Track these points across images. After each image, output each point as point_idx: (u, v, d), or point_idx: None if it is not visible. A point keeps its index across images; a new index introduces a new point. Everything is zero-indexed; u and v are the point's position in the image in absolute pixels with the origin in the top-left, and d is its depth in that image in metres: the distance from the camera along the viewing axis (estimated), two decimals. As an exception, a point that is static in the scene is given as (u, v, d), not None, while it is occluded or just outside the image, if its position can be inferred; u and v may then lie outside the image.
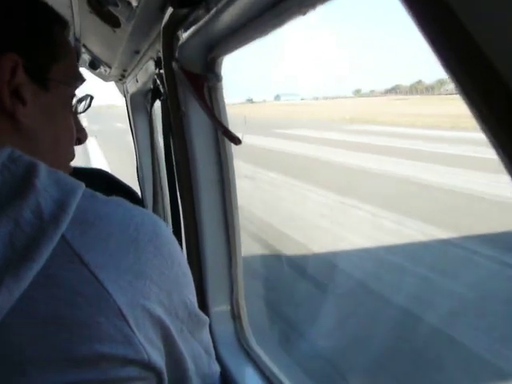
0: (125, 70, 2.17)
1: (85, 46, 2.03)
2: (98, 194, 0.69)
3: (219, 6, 0.92)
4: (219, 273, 1.50)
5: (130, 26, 1.33)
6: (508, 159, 0.38)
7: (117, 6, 1.18)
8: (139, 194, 2.64)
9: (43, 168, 0.65)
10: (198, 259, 1.48)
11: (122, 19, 1.29)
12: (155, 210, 1.75)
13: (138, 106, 2.41)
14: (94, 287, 0.61)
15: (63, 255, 0.61)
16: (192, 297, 0.77)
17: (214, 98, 1.32)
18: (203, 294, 1.50)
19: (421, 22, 0.41)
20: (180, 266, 0.74)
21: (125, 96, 2.49)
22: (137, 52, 1.72)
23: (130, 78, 2.19)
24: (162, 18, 1.19)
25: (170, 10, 1.10)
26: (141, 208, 0.75)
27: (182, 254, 0.76)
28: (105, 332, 0.61)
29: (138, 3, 1.10)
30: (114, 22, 1.35)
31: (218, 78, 1.29)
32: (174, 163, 1.48)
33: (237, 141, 1.23)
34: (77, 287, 0.61)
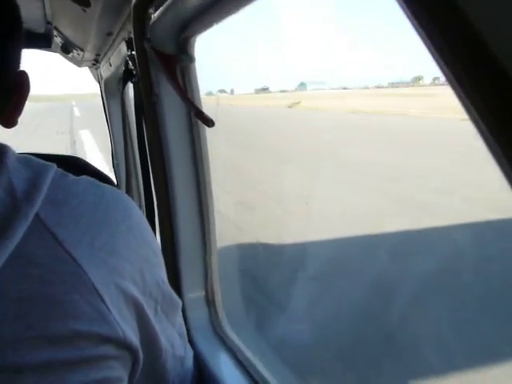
0: (98, 55, 2.13)
1: (56, 28, 1.98)
2: (69, 174, 0.70)
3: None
4: (193, 259, 1.48)
5: (100, 4, 1.29)
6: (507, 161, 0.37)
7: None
8: (114, 180, 2.61)
9: (11, 150, 0.66)
10: (172, 245, 1.45)
11: (93, 1, 1.26)
12: (129, 195, 1.72)
13: (112, 91, 2.37)
14: (68, 265, 0.61)
15: (37, 233, 0.61)
16: (164, 277, 0.77)
17: (186, 79, 1.30)
18: (177, 280, 1.48)
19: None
20: (151, 246, 0.75)
21: (99, 82, 2.45)
22: (109, 34, 1.68)
23: (103, 62, 2.15)
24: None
25: (139, -13, 1.07)
26: (112, 187, 0.76)
27: (152, 235, 0.76)
28: (80, 309, 0.61)
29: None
30: (83, 1, 1.32)
31: (190, 58, 1.26)
32: (147, 147, 1.46)
33: (210, 123, 1.21)
34: (51, 265, 0.60)
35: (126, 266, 0.67)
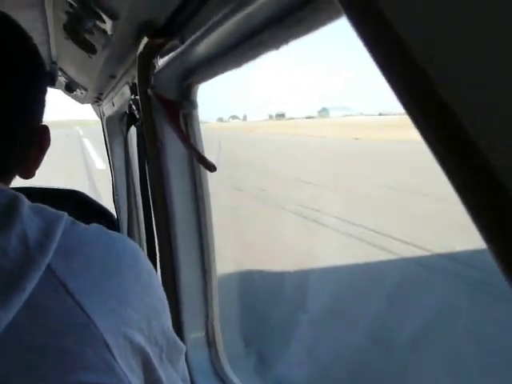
0: (101, 94, 2.17)
1: (61, 69, 2.03)
2: (79, 222, 0.70)
3: (193, 37, 0.93)
4: (194, 298, 1.50)
5: (106, 52, 1.33)
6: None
7: (92, 33, 1.19)
8: (115, 215, 2.63)
9: (25, 199, 0.66)
10: (174, 285, 1.47)
11: (98, 46, 1.30)
12: (130, 234, 1.74)
13: (114, 128, 2.40)
14: (79, 317, 0.62)
15: (48, 284, 0.61)
16: (169, 323, 0.78)
17: (189, 124, 1.33)
18: (178, 320, 1.49)
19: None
20: (157, 293, 0.75)
21: (101, 118, 2.49)
22: (112, 76, 1.72)
23: (106, 101, 2.19)
24: (138, 45, 1.19)
25: (145, 39, 1.10)
26: (120, 235, 0.77)
27: (158, 281, 0.78)
28: (89, 361, 0.61)
29: (114, 32, 1.11)
30: (89, 49, 1.35)
31: (193, 105, 1.29)
32: (150, 188, 1.48)
33: (212, 168, 1.24)
34: (62, 317, 0.61)
35: (133, 316, 0.68)
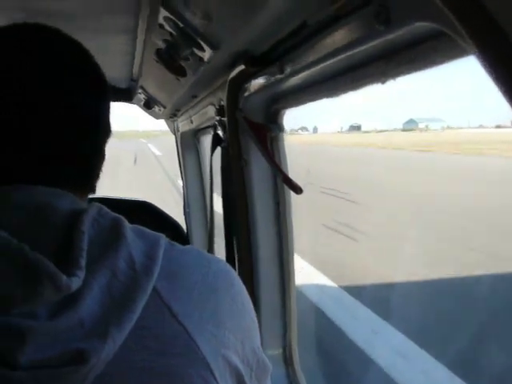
0: (178, 110, 2.24)
1: (142, 87, 2.10)
2: (175, 243, 0.72)
3: (295, 67, 0.96)
4: (273, 316, 1.52)
5: (196, 76, 1.38)
6: None
7: (187, 59, 1.24)
8: (184, 228, 2.69)
9: (125, 221, 0.68)
10: (253, 302, 1.50)
11: (189, 71, 1.35)
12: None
13: (189, 143, 2.48)
14: (182, 338, 0.64)
15: (154, 306, 0.63)
16: (259, 343, 0.79)
17: (275, 147, 1.36)
18: (256, 337, 1.52)
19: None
20: (250, 314, 0.77)
21: (175, 133, 2.56)
22: (195, 96, 1.77)
23: (182, 117, 2.25)
24: (231, 71, 1.24)
25: (241, 67, 1.14)
26: (214, 256, 0.79)
27: (250, 302, 0.79)
28: (193, 382, 0.63)
29: (210, 60, 1.15)
30: (180, 73, 1.41)
31: (280, 128, 1.33)
32: (232, 206, 1.52)
33: (298, 190, 1.26)
34: (167, 338, 0.63)
35: (230, 337, 0.69)
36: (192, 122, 2.05)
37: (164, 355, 0.63)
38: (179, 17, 1.04)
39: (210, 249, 1.81)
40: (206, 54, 1.12)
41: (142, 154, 32.22)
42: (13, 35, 0.72)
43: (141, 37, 1.52)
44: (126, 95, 2.52)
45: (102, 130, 0.75)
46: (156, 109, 2.30)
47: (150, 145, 43.71)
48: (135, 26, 1.45)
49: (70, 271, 0.58)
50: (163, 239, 0.70)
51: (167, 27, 1.14)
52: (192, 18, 1.01)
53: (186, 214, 2.70)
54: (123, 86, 2.46)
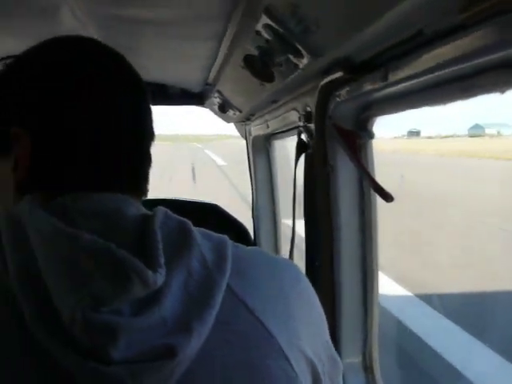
0: (252, 114, 2.25)
1: (219, 91, 2.13)
2: (239, 244, 0.75)
3: (400, 75, 0.95)
4: (353, 322, 1.51)
5: (284, 82, 1.38)
6: None
7: (280, 66, 1.24)
8: (251, 232, 2.71)
9: (191, 224, 0.70)
10: (333, 307, 1.49)
11: (279, 77, 1.35)
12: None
13: (260, 147, 2.49)
14: (261, 332, 0.66)
15: (230, 302, 0.65)
16: (329, 338, 0.82)
17: (363, 153, 1.35)
18: (336, 343, 1.51)
19: None
20: (317, 310, 0.80)
21: (246, 137, 2.58)
22: (274, 102, 1.78)
23: (256, 121, 2.27)
24: (323, 77, 1.24)
25: (338, 73, 1.14)
26: (278, 256, 0.81)
27: (317, 300, 0.81)
28: (274, 374, 0.65)
29: (306, 67, 1.15)
30: (267, 79, 1.42)
31: (370, 135, 1.31)
32: (317, 212, 1.52)
33: (389, 198, 1.25)
34: (246, 332, 0.66)
35: (302, 330, 0.72)
36: (268, 127, 2.06)
37: (244, 349, 0.65)
38: (280, 24, 1.05)
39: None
40: (304, 60, 1.12)
41: (200, 163, 25.24)
42: (58, 47, 0.76)
43: (228, 43, 1.54)
44: (199, 99, 2.56)
45: (148, 133, 0.78)
46: (230, 113, 2.32)
47: (207, 151, 37.39)
48: (223, 32, 1.47)
49: (152, 267, 0.59)
50: (228, 240, 0.72)
51: (264, 34, 1.15)
52: (294, 24, 1.01)
53: (254, 218, 2.71)
54: (197, 90, 2.50)
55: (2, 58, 0.80)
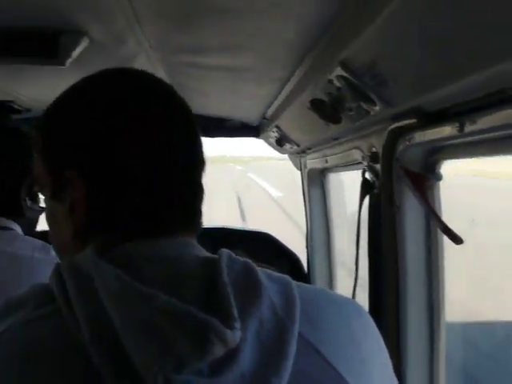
0: (309, 148, 2.29)
1: (277, 126, 2.18)
2: (301, 284, 0.73)
3: (478, 127, 0.97)
4: (419, 368, 1.50)
5: (351, 125, 1.42)
6: None
7: (350, 111, 1.28)
8: (304, 263, 2.72)
9: (255, 265, 0.69)
10: (398, 353, 1.49)
11: (346, 121, 1.38)
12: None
13: (316, 180, 2.52)
14: (336, 379, 0.65)
15: (303, 350, 0.64)
16: (395, 379, 0.79)
17: (430, 194, 1.36)
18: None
19: None
20: (385, 354, 0.77)
21: (301, 169, 2.61)
22: (335, 139, 1.81)
23: (313, 155, 2.30)
24: (393, 122, 1.26)
25: (408, 120, 1.17)
26: (343, 296, 0.80)
27: (383, 343, 0.78)
28: None
29: (377, 114, 1.18)
30: (333, 121, 1.45)
31: (438, 177, 1.33)
32: (379, 254, 1.53)
33: (459, 240, 1.26)
34: (321, 380, 0.64)
35: (374, 376, 0.70)
36: (326, 162, 2.09)
37: None
38: (355, 76, 1.08)
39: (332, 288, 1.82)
40: (375, 108, 1.15)
41: (246, 191, 20.48)
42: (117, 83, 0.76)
43: (293, 85, 1.58)
44: (255, 132, 2.62)
45: (200, 164, 0.77)
46: (287, 146, 2.36)
47: (251, 175, 30.91)
48: (290, 76, 1.52)
49: (228, 324, 0.58)
50: (291, 280, 0.71)
51: (336, 82, 1.19)
52: (370, 78, 1.04)
53: (308, 248, 2.73)
54: (254, 123, 2.56)
55: None
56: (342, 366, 0.66)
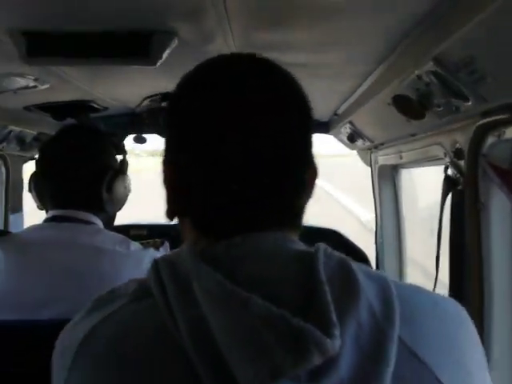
0: (381, 144, 2.27)
1: (351, 122, 2.17)
2: (397, 281, 0.69)
3: None
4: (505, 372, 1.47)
5: (435, 121, 1.40)
6: None
7: (438, 107, 1.26)
8: (371, 259, 2.70)
9: (352, 261, 0.66)
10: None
11: (431, 116, 1.37)
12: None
13: (387, 176, 2.50)
14: None
15: (402, 354, 0.60)
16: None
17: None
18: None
19: None
20: (483, 353, 0.72)
21: (371, 165, 2.60)
22: (413, 135, 1.79)
23: (386, 150, 2.28)
24: (481, 118, 1.24)
25: (499, 115, 1.14)
26: (440, 295, 0.75)
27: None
28: None
29: (469, 109, 1.16)
30: (417, 117, 1.44)
31: (527, 173, 1.30)
32: (461, 252, 1.50)
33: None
34: None
35: (474, 378, 0.66)
36: (401, 158, 2.07)
37: None
38: (450, 72, 1.07)
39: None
40: (467, 104, 1.13)
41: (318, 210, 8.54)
42: (237, 66, 0.74)
43: (372, 82, 1.58)
44: (325, 128, 2.61)
45: (308, 164, 0.74)
46: (359, 142, 2.35)
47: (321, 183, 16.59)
48: (370, 72, 1.51)
49: (328, 331, 0.56)
50: (389, 279, 0.67)
51: (425, 78, 1.18)
52: (467, 74, 1.03)
53: (378, 245, 2.71)
54: (324, 119, 2.55)
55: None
56: (441, 372, 0.62)
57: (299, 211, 0.74)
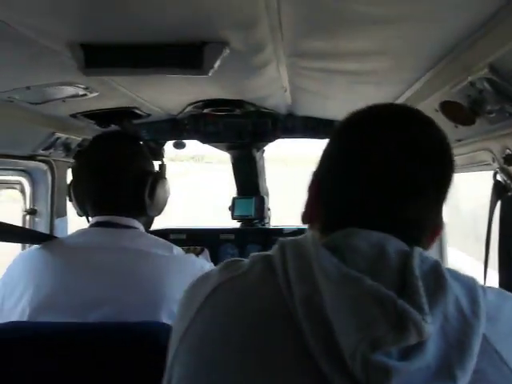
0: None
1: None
2: (483, 285, 0.73)
3: None
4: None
5: (486, 127, 1.38)
6: None
7: (490, 113, 1.25)
8: None
9: (443, 265, 0.71)
10: None
11: (482, 122, 1.35)
12: None
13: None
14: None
15: (484, 350, 0.65)
16: None
17: None
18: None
19: None
20: None
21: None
22: (459, 140, 1.77)
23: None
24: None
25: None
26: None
27: None
28: None
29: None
30: (466, 122, 1.42)
31: None
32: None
33: None
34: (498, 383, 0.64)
35: None
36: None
37: None
38: (504, 79, 1.06)
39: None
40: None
41: None
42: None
43: (419, 88, 1.57)
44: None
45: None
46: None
47: None
48: (416, 79, 1.50)
49: (423, 318, 0.62)
50: (476, 281, 0.73)
51: (478, 85, 1.17)
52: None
53: None
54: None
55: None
56: None
57: (410, 222, 0.79)
